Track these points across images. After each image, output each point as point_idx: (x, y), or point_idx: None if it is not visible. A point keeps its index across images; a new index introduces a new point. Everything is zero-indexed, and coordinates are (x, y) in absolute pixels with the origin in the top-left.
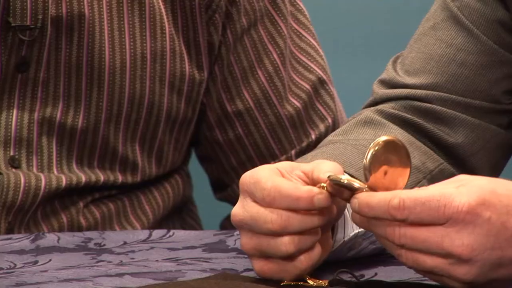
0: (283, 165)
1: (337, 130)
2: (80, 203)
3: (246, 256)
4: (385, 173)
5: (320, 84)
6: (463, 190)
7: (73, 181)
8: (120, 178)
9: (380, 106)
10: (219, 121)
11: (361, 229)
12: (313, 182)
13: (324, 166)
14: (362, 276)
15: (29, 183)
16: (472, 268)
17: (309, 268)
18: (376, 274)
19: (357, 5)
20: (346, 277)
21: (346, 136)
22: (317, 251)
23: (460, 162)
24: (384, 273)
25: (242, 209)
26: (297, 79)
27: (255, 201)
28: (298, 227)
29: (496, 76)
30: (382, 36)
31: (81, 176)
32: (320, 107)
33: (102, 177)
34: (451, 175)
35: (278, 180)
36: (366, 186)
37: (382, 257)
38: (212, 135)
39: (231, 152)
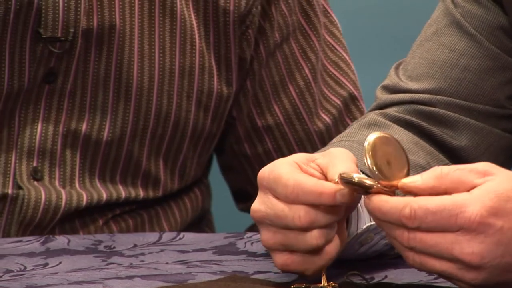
0: (299, 157)
1: (342, 133)
2: (100, 221)
3: (256, 258)
4: (388, 163)
5: (351, 100)
6: (476, 196)
7: (94, 199)
8: (141, 194)
9: (384, 110)
10: (248, 135)
11: (373, 223)
12: (327, 178)
13: (338, 165)
14: (372, 278)
15: (50, 200)
16: (481, 274)
17: (333, 259)
18: (386, 276)
19: (362, 6)
20: (356, 279)
21: (351, 138)
22: (338, 242)
23: (463, 161)
24: (394, 276)
25: (264, 205)
26: (328, 93)
27: (276, 197)
28: (325, 222)
29: (499, 80)
30: (387, 37)
31: (102, 193)
32: (350, 123)
33: (123, 193)
34: None
35: (300, 177)
36: (376, 182)
37: (393, 259)
38: (240, 148)
39: (258, 166)
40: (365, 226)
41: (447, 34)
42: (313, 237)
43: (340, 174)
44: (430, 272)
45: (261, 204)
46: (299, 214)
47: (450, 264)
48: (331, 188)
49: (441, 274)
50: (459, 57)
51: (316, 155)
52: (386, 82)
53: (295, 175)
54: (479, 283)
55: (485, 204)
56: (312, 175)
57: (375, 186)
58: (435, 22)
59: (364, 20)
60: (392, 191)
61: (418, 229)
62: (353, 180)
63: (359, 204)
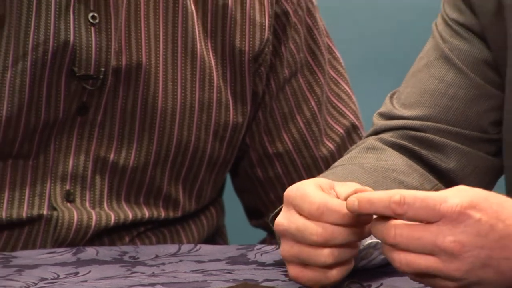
0: (322, 181)
1: (344, 157)
2: (126, 238)
3: (265, 268)
4: None
5: (353, 129)
6: (458, 193)
7: (121, 219)
8: (163, 213)
9: (380, 135)
10: (260, 160)
11: (374, 240)
12: None
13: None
14: (370, 286)
15: (81, 220)
16: (463, 264)
17: (338, 280)
18: (381, 284)
19: (363, 24)
20: (356, 287)
21: (352, 161)
22: (351, 265)
23: (452, 185)
24: (389, 283)
25: (287, 220)
26: (332, 123)
27: (300, 214)
28: (341, 241)
29: (484, 108)
30: (387, 56)
31: (128, 213)
32: None
33: (147, 213)
34: None
35: (325, 197)
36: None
37: (387, 268)
38: (253, 172)
39: (270, 189)
40: (366, 243)
41: (437, 66)
42: (325, 255)
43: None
44: (417, 272)
45: (284, 218)
46: (317, 230)
47: (435, 259)
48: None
49: (427, 273)
50: (447, 87)
51: (334, 182)
52: (382, 109)
53: (321, 194)
54: (461, 275)
55: (464, 197)
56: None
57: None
58: (426, 56)
59: (364, 48)
60: None
61: (404, 218)
62: None
63: None
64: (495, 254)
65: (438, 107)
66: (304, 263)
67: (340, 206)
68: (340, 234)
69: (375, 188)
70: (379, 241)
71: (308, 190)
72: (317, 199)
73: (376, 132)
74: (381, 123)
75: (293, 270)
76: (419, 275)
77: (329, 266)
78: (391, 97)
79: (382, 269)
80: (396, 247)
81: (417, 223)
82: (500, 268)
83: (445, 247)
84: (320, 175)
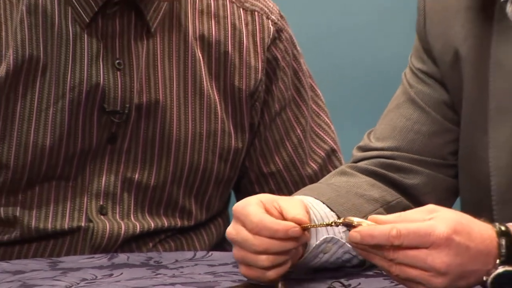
0: (265, 197)
1: (322, 178)
2: (150, 244)
3: None
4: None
5: (332, 152)
6: (442, 221)
7: (145, 228)
8: (179, 223)
9: (356, 164)
10: (257, 179)
11: (329, 235)
12: (284, 217)
13: (291, 211)
14: (350, 285)
15: (113, 230)
16: (446, 279)
17: (278, 278)
18: (359, 284)
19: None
20: (338, 286)
21: (326, 181)
22: (286, 266)
23: (415, 200)
24: (366, 284)
25: (235, 231)
26: (315, 147)
27: (244, 226)
28: (274, 250)
29: (443, 141)
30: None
31: (151, 223)
32: (331, 169)
33: (166, 223)
34: (407, 207)
35: (263, 216)
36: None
37: (365, 271)
38: (252, 188)
39: None
40: (322, 238)
41: (405, 107)
42: (263, 260)
43: (345, 218)
44: (407, 278)
45: (233, 229)
46: (255, 242)
47: (424, 272)
48: (285, 226)
49: (414, 280)
50: (413, 124)
51: (279, 197)
52: (360, 144)
53: (259, 214)
54: (443, 286)
55: (448, 225)
56: (271, 212)
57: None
58: (396, 99)
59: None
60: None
61: (400, 246)
62: (353, 223)
63: (316, 222)
64: (468, 268)
65: (405, 140)
66: (249, 265)
67: (274, 224)
68: (274, 245)
69: (337, 199)
70: (335, 237)
71: (249, 209)
72: (255, 218)
73: (354, 161)
74: (359, 154)
75: (242, 269)
76: (407, 280)
77: (267, 268)
78: (369, 134)
79: (361, 272)
80: (393, 261)
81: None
82: (470, 278)
83: (434, 266)
84: (299, 191)
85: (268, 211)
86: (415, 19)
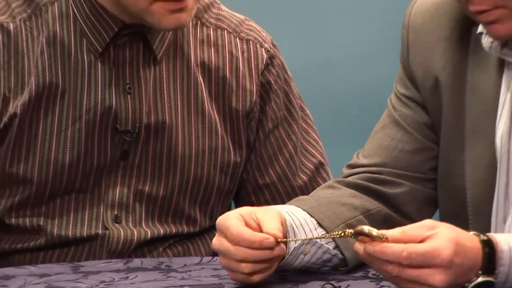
0: (245, 210)
1: (313, 191)
2: (160, 248)
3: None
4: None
5: (320, 165)
6: (445, 244)
7: (155, 234)
8: (185, 229)
9: (344, 179)
10: (254, 190)
11: (308, 238)
12: (261, 229)
13: (268, 223)
14: (340, 287)
15: (126, 236)
16: None
17: (260, 281)
18: (348, 285)
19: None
20: (329, 287)
21: (315, 193)
22: (270, 270)
23: (397, 209)
24: (355, 285)
25: (219, 242)
26: (305, 161)
27: (226, 239)
28: (253, 259)
29: (424, 158)
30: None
31: (160, 230)
32: (320, 181)
33: (174, 230)
34: (387, 215)
35: (241, 229)
36: (378, 233)
37: (354, 273)
38: (249, 198)
39: None
40: (300, 241)
41: (390, 128)
42: (243, 268)
43: (356, 228)
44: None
45: (217, 240)
46: (235, 252)
47: (423, 286)
48: (261, 237)
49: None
50: (397, 143)
51: (257, 210)
52: (350, 162)
53: (239, 227)
54: None
55: (451, 248)
56: (250, 224)
57: (383, 238)
58: (382, 121)
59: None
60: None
61: (408, 265)
62: (364, 230)
63: (296, 229)
64: (459, 280)
65: (390, 157)
66: (233, 270)
67: (251, 236)
68: (251, 254)
69: (318, 207)
70: (313, 239)
71: (230, 222)
72: (235, 230)
73: (344, 177)
74: (347, 171)
75: (229, 274)
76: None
77: (249, 274)
78: (357, 153)
79: (350, 274)
80: (397, 275)
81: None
82: (458, 286)
83: (434, 284)
84: (288, 203)
85: (247, 224)
86: (399, 50)
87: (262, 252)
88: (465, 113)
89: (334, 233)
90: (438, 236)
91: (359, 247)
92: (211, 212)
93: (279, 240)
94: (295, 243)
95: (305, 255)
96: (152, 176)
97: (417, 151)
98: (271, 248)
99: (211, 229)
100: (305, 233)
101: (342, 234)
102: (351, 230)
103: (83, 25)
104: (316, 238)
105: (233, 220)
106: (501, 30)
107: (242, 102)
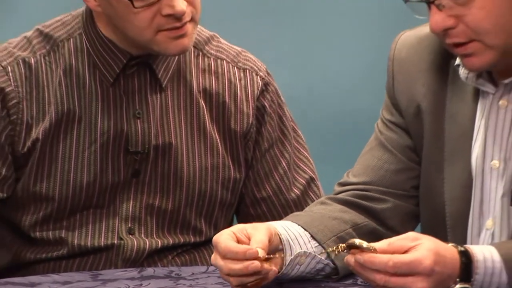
0: (237, 227)
1: (306, 207)
2: (169, 256)
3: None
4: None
5: (311, 180)
6: (426, 254)
7: (165, 244)
8: (192, 239)
9: (335, 196)
10: (252, 203)
11: (303, 250)
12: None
13: (256, 236)
14: None
15: (139, 246)
16: None
17: None
18: None
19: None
20: None
21: (309, 209)
22: (261, 282)
23: (382, 222)
24: None
25: (214, 257)
26: (297, 177)
27: (218, 254)
28: (236, 273)
29: (407, 177)
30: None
31: (170, 240)
32: (311, 194)
33: (181, 240)
34: (374, 228)
35: (229, 243)
36: (367, 245)
37: (344, 280)
38: (248, 211)
39: (260, 221)
40: (296, 253)
41: (376, 150)
42: (232, 281)
43: (348, 241)
44: None
45: (213, 255)
46: (222, 266)
47: None
48: (243, 249)
49: None
50: (383, 164)
51: (248, 226)
52: (340, 180)
53: (226, 241)
54: None
55: (431, 258)
56: (242, 239)
57: (371, 249)
58: (370, 144)
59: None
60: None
61: (394, 274)
62: (355, 243)
63: (291, 242)
64: (439, 287)
65: (377, 176)
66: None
67: (236, 248)
68: (234, 269)
69: (311, 222)
70: (306, 251)
71: (220, 238)
72: (223, 244)
73: (335, 194)
74: (338, 189)
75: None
76: None
77: (239, 285)
78: (347, 173)
79: (341, 281)
80: (385, 286)
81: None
82: None
83: None
84: (285, 217)
85: (239, 239)
86: (385, 80)
87: (243, 265)
88: (444, 137)
89: (329, 250)
90: (420, 247)
91: (349, 259)
92: (215, 223)
93: (273, 255)
94: (291, 256)
95: (300, 265)
96: (161, 192)
97: (401, 171)
98: (255, 259)
99: None
100: (299, 245)
101: (336, 249)
102: (344, 245)
103: (95, 58)
104: (315, 253)
105: (224, 236)
106: (475, 62)
107: (240, 124)
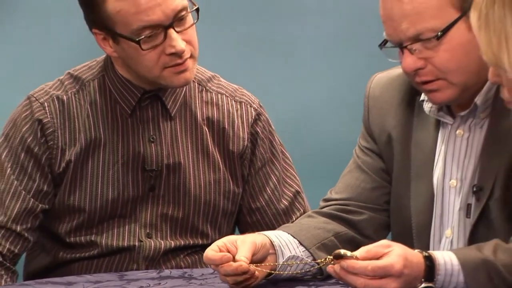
0: (228, 238)
1: (296, 220)
2: (181, 255)
3: (266, 279)
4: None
5: (297, 193)
6: (397, 259)
7: (177, 245)
8: (200, 242)
9: (320, 210)
10: (248, 212)
11: (292, 254)
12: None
13: (242, 248)
14: None
15: (156, 247)
16: None
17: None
18: None
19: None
20: None
21: (298, 221)
22: (248, 283)
23: (359, 232)
24: None
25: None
26: (286, 191)
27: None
28: (230, 273)
29: (380, 193)
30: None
31: (181, 242)
32: (298, 205)
33: (191, 242)
34: (352, 237)
35: (207, 252)
36: (352, 255)
37: (327, 280)
38: (245, 219)
39: (255, 227)
40: (286, 257)
41: (355, 171)
42: (228, 279)
43: (334, 252)
44: None
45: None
46: (219, 270)
47: None
48: (221, 255)
49: None
50: (360, 183)
51: (238, 238)
52: (324, 197)
53: (209, 250)
54: None
55: (401, 262)
56: (231, 250)
57: (354, 257)
58: (349, 166)
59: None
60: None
61: (372, 277)
62: (341, 253)
63: (282, 248)
64: (408, 286)
65: (355, 193)
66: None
67: (220, 256)
68: (229, 270)
69: (300, 231)
70: (295, 255)
71: (206, 254)
72: (210, 253)
73: (320, 208)
74: (323, 204)
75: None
76: None
77: (233, 283)
78: (331, 190)
79: (325, 281)
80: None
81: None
82: None
83: None
84: (277, 228)
85: (229, 249)
86: (361, 113)
87: (234, 267)
88: (411, 160)
89: (320, 261)
90: (392, 253)
91: (330, 269)
92: (219, 228)
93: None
94: (283, 258)
95: (291, 267)
96: (173, 203)
97: (375, 189)
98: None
99: None
100: (289, 250)
101: (325, 260)
102: (331, 257)
103: (115, 94)
104: (307, 262)
105: (213, 245)
106: (439, 97)
107: (237, 146)
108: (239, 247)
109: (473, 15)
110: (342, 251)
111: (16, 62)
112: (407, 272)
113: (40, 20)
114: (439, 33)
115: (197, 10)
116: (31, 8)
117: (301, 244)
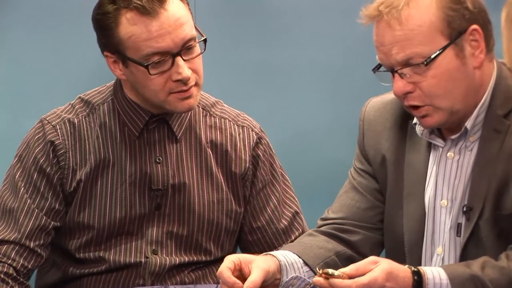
0: (242, 256)
1: (298, 238)
2: (185, 271)
3: None
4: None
5: (296, 214)
6: (380, 274)
7: (182, 261)
8: (203, 258)
9: (318, 228)
10: (249, 231)
11: (295, 275)
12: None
13: (252, 277)
14: None
15: (161, 263)
16: None
17: None
18: None
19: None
20: None
21: (300, 239)
22: None
23: (356, 250)
24: None
25: (221, 283)
26: (285, 211)
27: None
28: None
29: (374, 213)
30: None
31: (185, 258)
32: (296, 225)
33: (195, 258)
34: (350, 255)
35: (224, 271)
36: (341, 273)
37: None
38: (246, 237)
39: (256, 246)
40: (290, 276)
41: (350, 192)
42: None
43: (323, 270)
44: None
45: (220, 283)
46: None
47: None
48: (227, 277)
49: None
50: (355, 203)
51: (254, 260)
52: (322, 216)
53: (223, 270)
54: None
55: (383, 277)
56: (244, 270)
57: (341, 276)
58: (345, 187)
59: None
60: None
61: None
62: (329, 272)
63: (288, 266)
64: None
65: (350, 212)
66: None
67: (226, 278)
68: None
69: (304, 251)
70: (299, 275)
71: (223, 265)
72: (220, 272)
73: (318, 227)
74: (321, 222)
75: None
76: None
77: None
78: (328, 210)
79: None
80: None
81: None
82: None
83: None
84: (282, 246)
85: (242, 269)
86: (356, 137)
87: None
88: (403, 181)
89: (316, 275)
90: (376, 269)
91: (316, 282)
92: (222, 246)
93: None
94: (286, 278)
95: (293, 286)
96: (178, 221)
97: (369, 209)
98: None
99: (222, 259)
100: (294, 270)
101: (318, 275)
102: (323, 274)
103: (124, 117)
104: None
105: (227, 261)
106: (429, 121)
107: (239, 168)
108: (252, 271)
109: (503, 13)
110: (330, 271)
111: (29, 87)
112: (389, 286)
113: (40, 20)
114: (427, 59)
115: (205, 41)
116: (31, 8)
117: (305, 264)
